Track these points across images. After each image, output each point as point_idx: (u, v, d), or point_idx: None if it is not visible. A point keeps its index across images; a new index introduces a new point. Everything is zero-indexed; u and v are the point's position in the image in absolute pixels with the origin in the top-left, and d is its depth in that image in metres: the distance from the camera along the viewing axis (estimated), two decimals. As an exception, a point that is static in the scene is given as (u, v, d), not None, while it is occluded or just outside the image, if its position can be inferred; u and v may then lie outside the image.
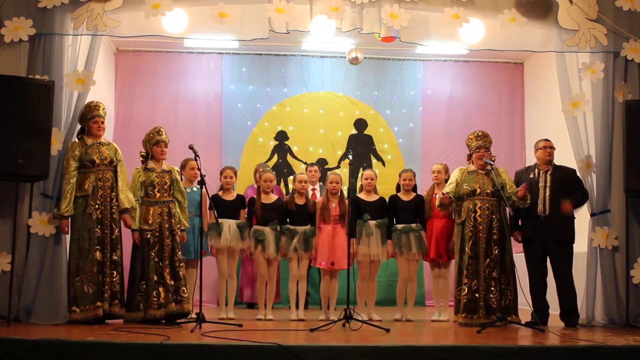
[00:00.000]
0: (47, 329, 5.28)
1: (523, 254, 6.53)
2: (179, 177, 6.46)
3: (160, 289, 6.06)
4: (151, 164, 6.32)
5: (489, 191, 6.34)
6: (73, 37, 6.16)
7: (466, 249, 6.31)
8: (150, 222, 6.16)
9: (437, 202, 6.54)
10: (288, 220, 6.88)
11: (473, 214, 6.32)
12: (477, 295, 6.22)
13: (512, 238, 6.46)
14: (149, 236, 6.14)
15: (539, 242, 6.39)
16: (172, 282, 6.13)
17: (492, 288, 6.21)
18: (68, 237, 6.03)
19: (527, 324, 6.05)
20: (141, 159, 6.37)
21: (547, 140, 6.59)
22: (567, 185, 6.41)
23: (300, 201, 6.91)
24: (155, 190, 6.23)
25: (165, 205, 6.25)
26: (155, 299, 6.03)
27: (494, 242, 6.27)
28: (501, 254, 6.28)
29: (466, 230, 6.34)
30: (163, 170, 6.33)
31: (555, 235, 6.33)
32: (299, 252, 6.77)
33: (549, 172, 6.45)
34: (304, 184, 6.95)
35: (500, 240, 6.26)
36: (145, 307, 6.03)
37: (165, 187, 6.27)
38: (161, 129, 6.40)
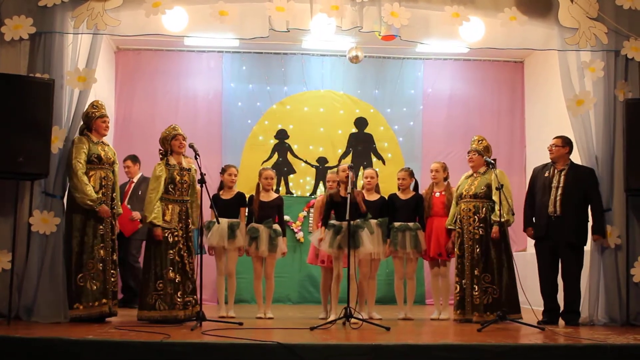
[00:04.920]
0: (48, 328, 5.27)
1: (523, 252, 6.54)
2: (195, 177, 6.31)
3: (182, 289, 5.99)
4: (172, 160, 6.23)
5: (471, 193, 6.54)
6: (73, 35, 6.16)
7: (456, 250, 6.61)
8: (169, 220, 6.07)
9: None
10: (333, 214, 6.58)
11: (459, 216, 6.60)
12: (463, 293, 6.48)
13: (510, 237, 6.51)
14: (167, 234, 6.04)
15: (549, 242, 6.41)
16: (191, 286, 6.05)
17: (475, 286, 6.37)
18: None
19: (523, 323, 6.05)
20: (160, 156, 6.33)
21: (554, 137, 6.60)
22: (581, 187, 6.39)
23: (345, 193, 6.43)
24: (176, 188, 6.14)
25: (184, 204, 6.18)
26: (179, 299, 5.94)
27: (475, 241, 6.42)
28: (485, 253, 6.37)
29: (456, 231, 6.64)
30: (183, 167, 6.24)
31: (565, 237, 6.34)
32: (344, 249, 6.31)
33: (563, 172, 6.45)
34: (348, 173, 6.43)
35: (482, 240, 6.40)
36: (169, 306, 5.92)
37: (185, 186, 6.19)
38: (176, 126, 6.35)
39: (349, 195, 6.00)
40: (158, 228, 6.02)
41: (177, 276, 6.00)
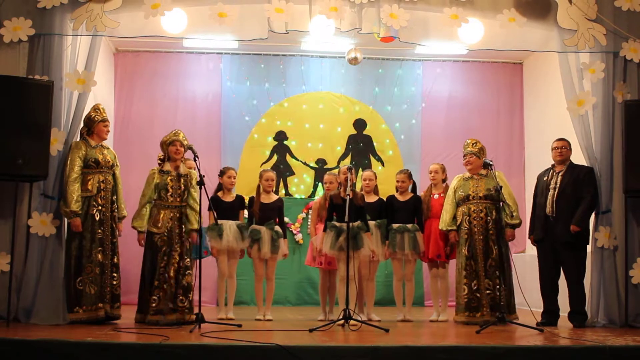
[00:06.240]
0: (47, 330, 5.27)
1: (522, 254, 6.55)
2: (194, 183, 6.24)
3: (161, 294, 5.96)
4: (167, 166, 6.21)
5: (481, 194, 6.58)
6: (72, 37, 6.16)
7: (463, 251, 6.57)
8: (159, 225, 6.07)
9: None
10: (335, 216, 6.54)
11: (467, 217, 6.58)
12: (478, 295, 6.43)
13: (509, 239, 6.58)
14: (157, 239, 6.06)
15: (548, 244, 6.43)
16: (174, 289, 6.00)
17: (497, 286, 6.34)
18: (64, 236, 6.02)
19: (522, 324, 6.05)
20: (159, 161, 6.31)
21: (559, 140, 6.60)
22: (578, 186, 6.37)
23: (345, 195, 6.31)
24: (169, 194, 6.12)
25: (177, 210, 6.15)
26: (153, 305, 5.94)
27: (492, 242, 6.45)
28: (499, 255, 6.43)
29: (462, 233, 6.62)
30: (179, 174, 6.20)
31: (562, 236, 6.34)
32: (345, 250, 6.11)
33: (561, 173, 6.47)
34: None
35: (497, 240, 6.44)
36: (147, 310, 5.97)
37: (179, 191, 6.15)
38: (178, 131, 6.34)
39: (348, 197, 6.00)
40: (140, 234, 6.11)
41: (156, 281, 5.99)
